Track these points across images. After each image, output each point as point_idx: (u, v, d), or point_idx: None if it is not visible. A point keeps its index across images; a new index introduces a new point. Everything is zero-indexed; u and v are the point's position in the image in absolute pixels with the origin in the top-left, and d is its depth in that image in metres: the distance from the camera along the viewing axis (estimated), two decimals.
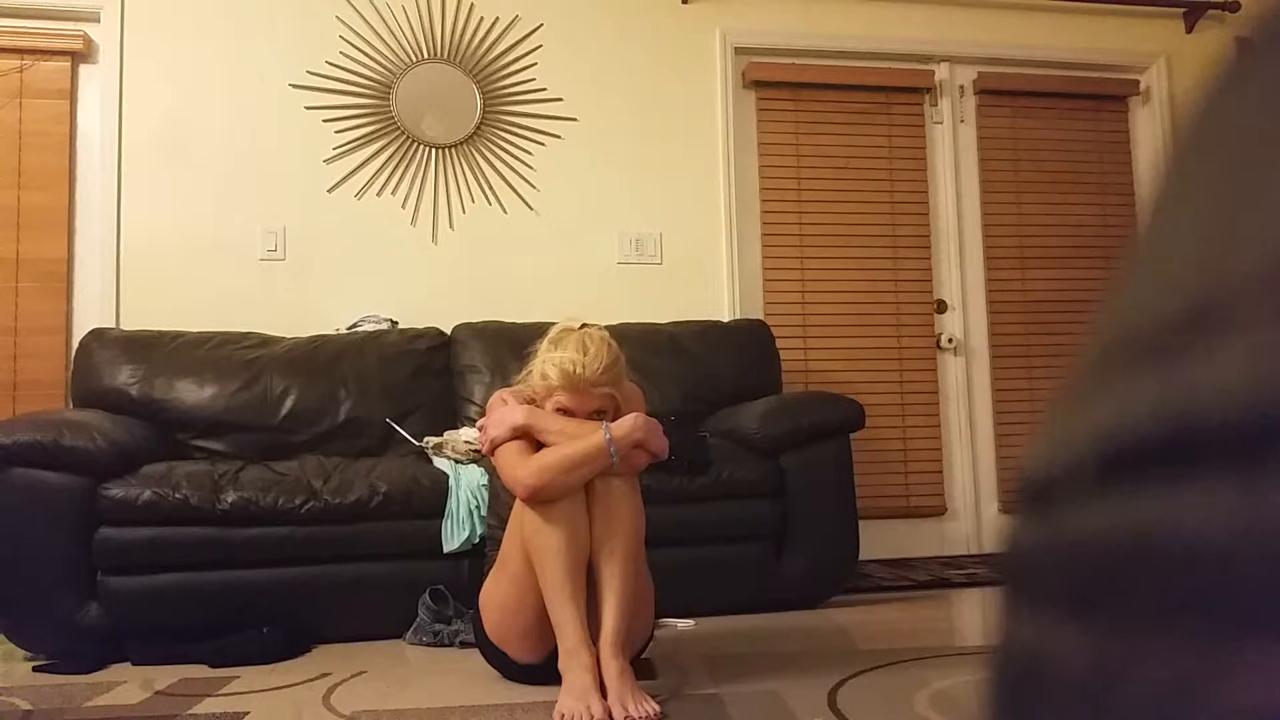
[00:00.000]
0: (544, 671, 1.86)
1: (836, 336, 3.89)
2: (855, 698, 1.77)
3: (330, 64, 3.60)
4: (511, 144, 3.69)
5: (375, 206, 3.59)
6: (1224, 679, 0.16)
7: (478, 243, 3.64)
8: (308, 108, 3.58)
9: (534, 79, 3.73)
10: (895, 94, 4.04)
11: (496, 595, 1.91)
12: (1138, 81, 4.20)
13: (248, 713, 1.81)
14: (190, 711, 1.83)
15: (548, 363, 1.86)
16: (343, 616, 2.51)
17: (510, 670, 1.95)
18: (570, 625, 1.73)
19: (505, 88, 3.71)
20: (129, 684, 2.09)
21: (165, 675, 2.17)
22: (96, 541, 2.39)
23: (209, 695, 1.97)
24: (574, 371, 1.82)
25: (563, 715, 1.63)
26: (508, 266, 3.65)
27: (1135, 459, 0.19)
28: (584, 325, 1.93)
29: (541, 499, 1.78)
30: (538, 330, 1.99)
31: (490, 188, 3.67)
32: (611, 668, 1.70)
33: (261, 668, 2.22)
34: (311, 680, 2.08)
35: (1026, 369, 4.02)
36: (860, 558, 2.93)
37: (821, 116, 3.98)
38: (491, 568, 2.00)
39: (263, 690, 2.00)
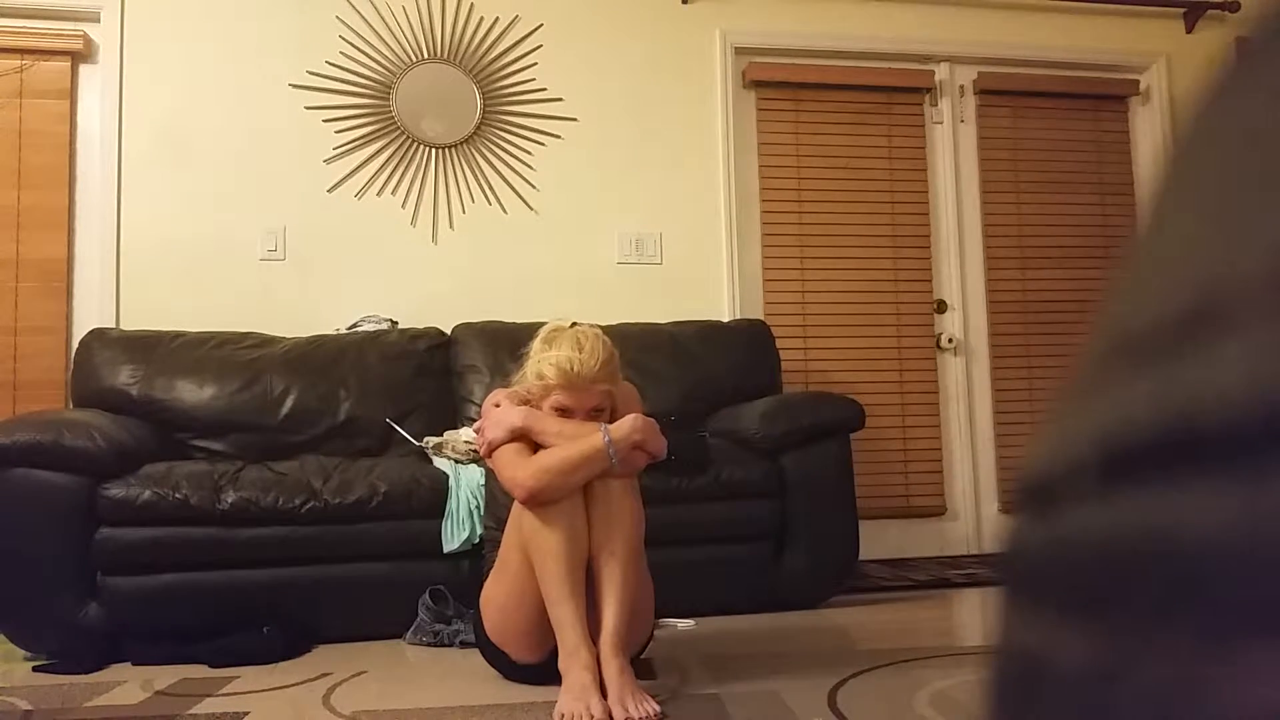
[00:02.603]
0: (544, 671, 1.86)
1: (836, 336, 3.89)
2: (855, 698, 1.77)
3: (330, 64, 3.60)
4: (511, 144, 3.69)
5: (375, 206, 3.59)
6: (1224, 679, 0.16)
7: (478, 243, 3.64)
8: (308, 108, 3.58)
9: (534, 79, 3.73)
10: (895, 94, 4.04)
11: (496, 596, 1.91)
12: (1138, 81, 4.20)
13: (248, 713, 1.81)
14: (190, 711, 1.83)
15: (543, 362, 1.85)
16: (343, 616, 2.51)
17: (510, 670, 1.95)
18: (570, 626, 1.72)
19: (505, 88, 3.71)
20: (129, 684, 2.09)
21: (165, 675, 2.17)
22: (96, 541, 2.39)
23: (209, 695, 1.96)
24: (571, 369, 1.82)
25: (563, 715, 1.63)
26: (508, 266, 3.65)
27: (1136, 459, 0.19)
28: (574, 324, 1.93)
29: (541, 501, 1.78)
30: (538, 330, 1.99)
31: (490, 188, 3.67)
32: (611, 667, 1.70)
33: (262, 668, 2.22)
34: (311, 680, 2.08)
35: (1026, 369, 4.02)
36: (860, 558, 2.93)
37: (821, 116, 3.98)
38: (491, 568, 2.00)
39: (263, 690, 2.00)
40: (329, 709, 1.84)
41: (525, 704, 1.80)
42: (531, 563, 1.79)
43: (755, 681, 1.91)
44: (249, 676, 2.13)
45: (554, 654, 1.77)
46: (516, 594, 1.85)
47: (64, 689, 2.04)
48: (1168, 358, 0.19)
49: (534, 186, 3.70)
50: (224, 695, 1.96)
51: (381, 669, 2.18)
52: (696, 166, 3.82)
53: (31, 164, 3.41)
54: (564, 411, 1.86)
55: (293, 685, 2.04)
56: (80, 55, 3.49)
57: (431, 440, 2.83)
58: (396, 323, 3.37)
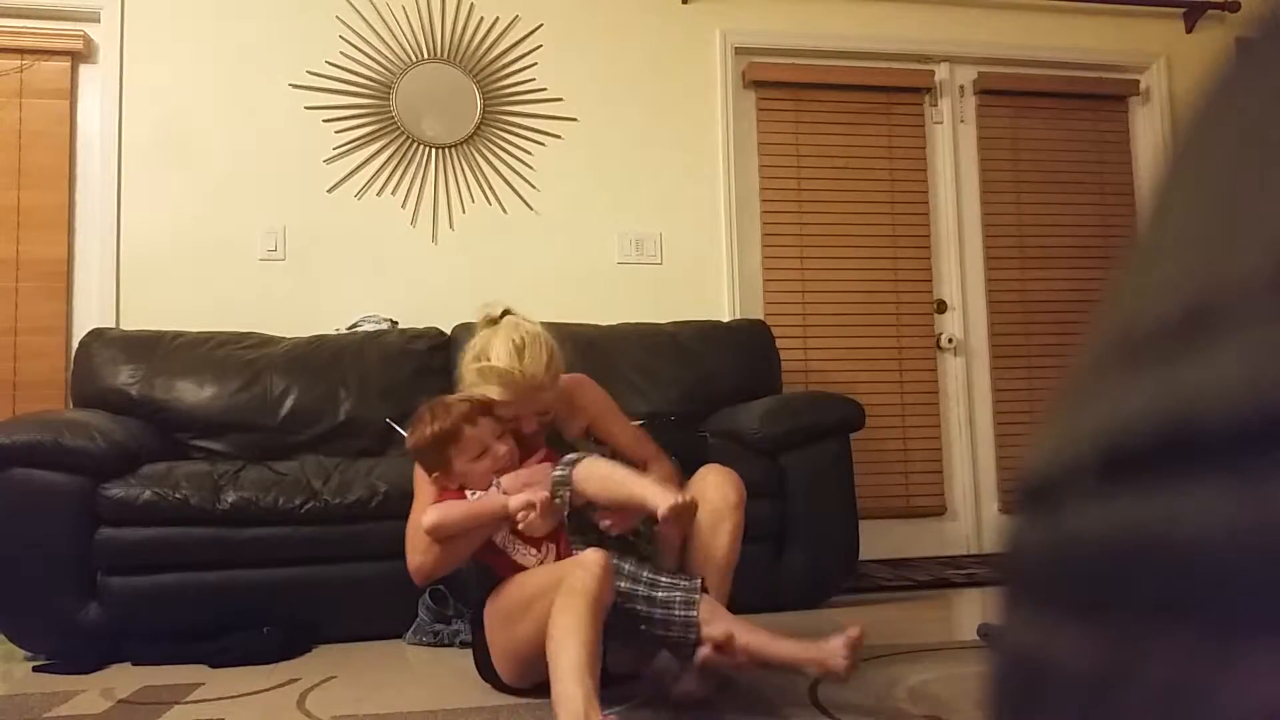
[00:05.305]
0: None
1: (836, 336, 3.89)
2: (835, 691, 1.79)
3: (330, 64, 3.60)
4: (511, 144, 3.69)
5: (375, 206, 3.59)
6: (1224, 679, 0.16)
7: (478, 243, 3.64)
8: (308, 108, 3.58)
9: (534, 79, 3.73)
10: (895, 94, 4.04)
11: (498, 634, 1.82)
12: (1138, 81, 4.20)
13: (222, 718, 1.79)
14: None
15: (483, 373, 1.78)
16: (343, 616, 2.51)
17: (499, 685, 1.90)
18: (580, 700, 1.46)
19: (505, 88, 3.71)
20: (88, 693, 2.01)
21: (127, 683, 2.10)
22: (96, 541, 2.39)
23: (176, 703, 1.91)
24: (514, 376, 1.76)
25: None
26: (508, 266, 3.65)
27: (1135, 459, 0.19)
28: (506, 313, 1.86)
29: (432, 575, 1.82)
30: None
31: (490, 188, 3.67)
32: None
33: (243, 670, 2.19)
34: (282, 686, 2.03)
35: (1026, 369, 4.02)
36: (860, 558, 2.93)
37: (821, 116, 3.98)
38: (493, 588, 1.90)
39: (234, 696, 1.95)
40: (304, 713, 1.81)
41: (509, 706, 1.79)
42: (543, 616, 1.62)
43: (739, 678, 1.91)
44: (214, 683, 2.07)
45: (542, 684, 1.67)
46: (523, 643, 1.73)
47: (19, 700, 1.97)
48: (1167, 357, 0.19)
49: (534, 186, 3.70)
50: (190, 703, 1.91)
51: (367, 671, 2.17)
52: (696, 166, 3.82)
53: (31, 164, 3.41)
54: (512, 420, 1.82)
55: (263, 691, 1.99)
56: (80, 55, 3.49)
57: None
58: (396, 323, 3.37)
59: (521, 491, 1.74)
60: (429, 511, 1.76)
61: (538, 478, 1.78)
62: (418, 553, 1.80)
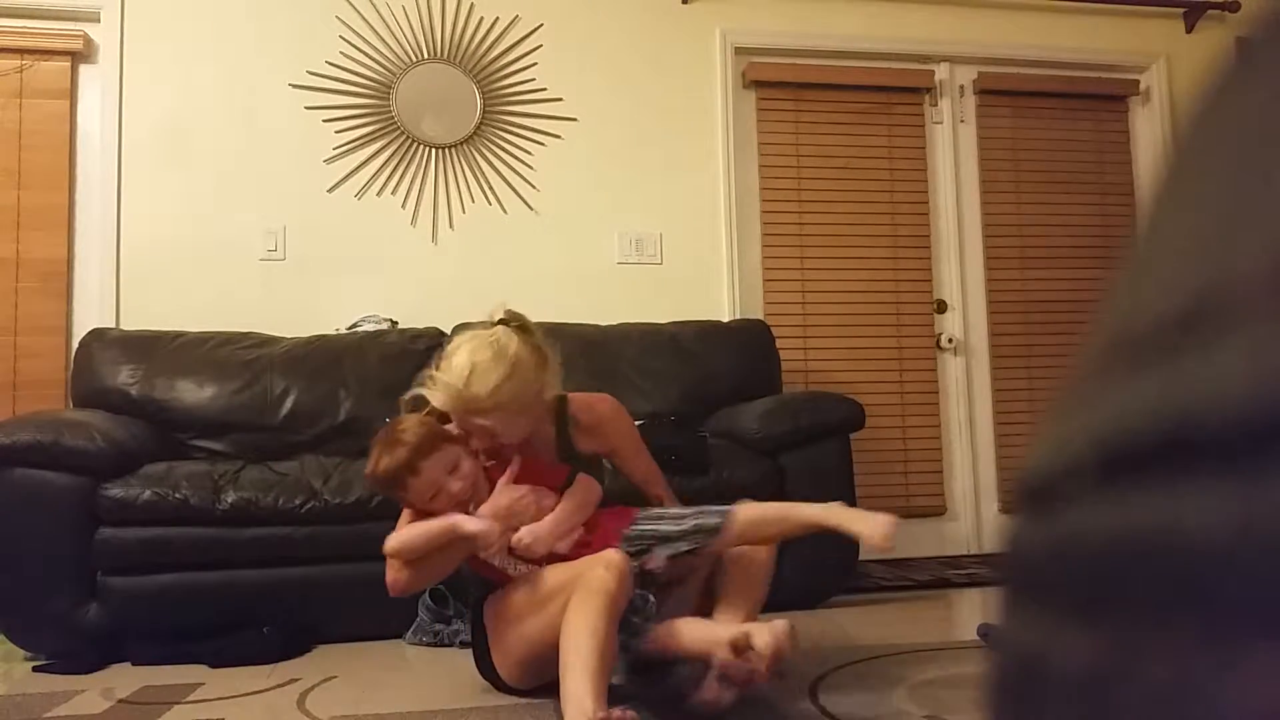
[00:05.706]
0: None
1: (836, 336, 3.89)
2: (836, 691, 1.79)
3: (330, 64, 3.60)
4: (511, 144, 3.69)
5: (375, 206, 3.59)
6: (1224, 679, 0.16)
7: (478, 243, 3.64)
8: (308, 108, 3.58)
9: (534, 79, 3.73)
10: (895, 94, 4.04)
11: (505, 633, 1.82)
12: (1138, 81, 4.20)
13: (222, 718, 1.79)
14: None
15: (433, 381, 1.76)
16: (343, 616, 2.51)
17: (501, 685, 1.90)
18: (590, 698, 1.47)
19: (505, 88, 3.71)
20: (88, 693, 2.01)
21: (127, 683, 2.09)
22: (96, 541, 2.39)
23: (176, 703, 1.91)
24: (453, 393, 1.72)
25: None
26: (508, 266, 3.65)
27: (1135, 459, 0.19)
28: (500, 320, 1.81)
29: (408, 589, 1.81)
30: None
31: (490, 188, 3.67)
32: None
33: (243, 670, 2.19)
34: (282, 686, 2.03)
35: (1026, 369, 4.02)
36: (860, 558, 2.93)
37: (821, 116, 3.98)
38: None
39: (234, 696, 1.95)
40: (304, 713, 1.81)
41: (509, 706, 1.79)
42: (557, 613, 1.63)
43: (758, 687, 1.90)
44: (214, 683, 2.07)
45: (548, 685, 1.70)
46: (532, 641, 1.74)
47: (19, 700, 1.97)
48: (1168, 357, 0.19)
49: (534, 186, 3.70)
50: (190, 703, 1.91)
51: (367, 671, 2.16)
52: (696, 166, 3.82)
53: (31, 164, 3.41)
54: (463, 437, 1.78)
55: (266, 690, 1.99)
56: (80, 55, 3.49)
57: None
58: (396, 323, 3.37)
59: (505, 518, 1.75)
60: (390, 537, 1.77)
61: (519, 506, 1.78)
62: (392, 569, 1.80)
